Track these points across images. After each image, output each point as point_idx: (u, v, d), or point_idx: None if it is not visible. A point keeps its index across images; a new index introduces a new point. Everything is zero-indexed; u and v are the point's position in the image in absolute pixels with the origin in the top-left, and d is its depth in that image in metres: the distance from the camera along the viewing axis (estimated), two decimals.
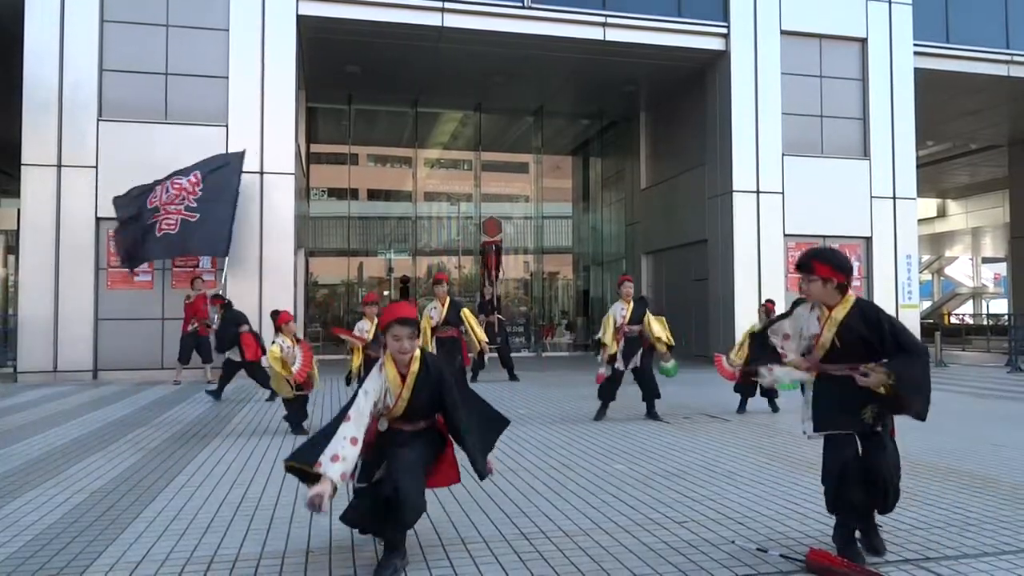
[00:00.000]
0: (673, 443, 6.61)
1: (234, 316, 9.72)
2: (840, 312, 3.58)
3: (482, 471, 3.50)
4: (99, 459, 5.91)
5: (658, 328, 8.02)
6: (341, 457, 3.21)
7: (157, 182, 12.07)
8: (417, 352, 3.51)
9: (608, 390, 8.00)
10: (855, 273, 15.55)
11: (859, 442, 3.53)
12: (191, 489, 4.93)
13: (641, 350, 8.00)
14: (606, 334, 7.98)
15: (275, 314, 7.42)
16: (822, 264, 3.59)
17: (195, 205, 11.86)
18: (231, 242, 11.99)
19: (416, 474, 3.37)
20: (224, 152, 12.58)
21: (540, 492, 4.83)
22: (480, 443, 3.56)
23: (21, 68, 12.26)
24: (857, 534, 3.61)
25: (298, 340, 7.36)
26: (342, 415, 3.38)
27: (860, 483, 3.50)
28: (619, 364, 7.93)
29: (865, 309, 3.60)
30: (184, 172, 12.11)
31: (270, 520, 4.21)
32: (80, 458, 5.94)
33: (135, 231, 11.86)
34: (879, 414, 3.51)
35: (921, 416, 3.44)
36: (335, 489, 3.22)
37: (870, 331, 3.52)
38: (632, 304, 8.01)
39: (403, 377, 3.47)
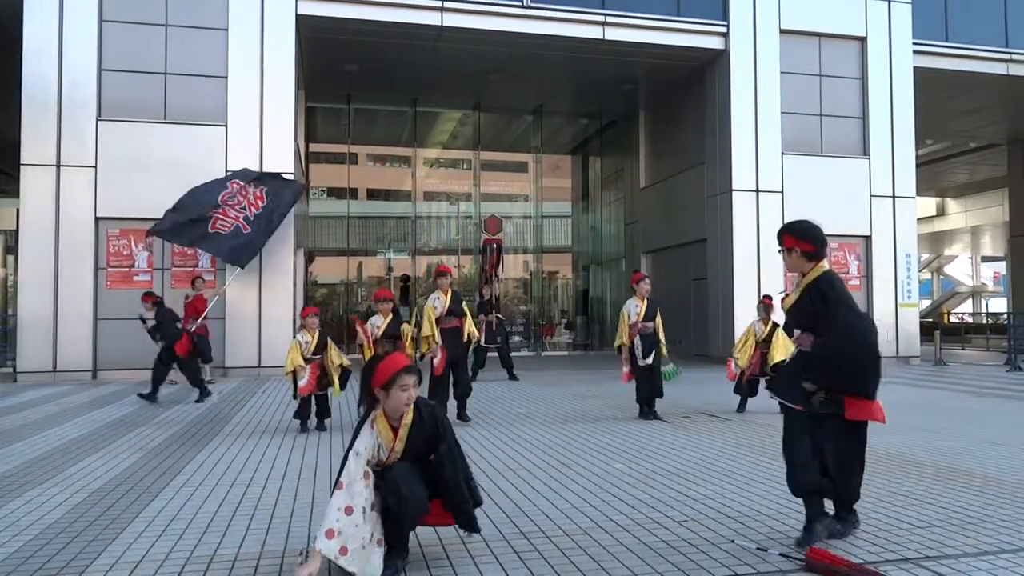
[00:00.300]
0: (672, 442, 6.61)
1: (168, 314, 9.76)
2: (809, 278, 3.72)
3: (474, 522, 3.47)
4: (99, 459, 5.91)
5: (661, 332, 8.15)
6: (336, 531, 3.12)
7: (232, 178, 12.29)
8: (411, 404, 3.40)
9: (642, 389, 8.04)
10: (856, 269, 15.62)
11: (819, 423, 3.61)
12: (191, 489, 4.93)
13: (656, 349, 8.05)
14: (622, 335, 8.04)
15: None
16: (787, 235, 3.82)
17: (252, 218, 12.13)
18: (254, 258, 12.33)
19: (413, 479, 3.33)
20: (289, 177, 12.96)
21: (539, 491, 4.83)
22: (471, 496, 3.48)
23: (20, 68, 12.25)
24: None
25: (321, 349, 7.24)
26: (336, 482, 3.31)
27: (817, 466, 3.60)
28: (640, 360, 7.96)
29: (825, 281, 3.67)
30: (257, 180, 12.37)
31: (270, 520, 4.21)
32: (80, 458, 5.94)
33: (187, 213, 11.94)
34: (830, 400, 3.58)
35: (861, 394, 3.56)
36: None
37: (820, 303, 3.61)
38: (646, 302, 8.06)
39: (395, 430, 3.38)
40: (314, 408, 7.35)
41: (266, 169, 12.93)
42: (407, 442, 3.39)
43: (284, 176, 12.83)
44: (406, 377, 3.30)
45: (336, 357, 7.29)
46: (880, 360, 3.61)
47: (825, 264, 3.76)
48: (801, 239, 3.74)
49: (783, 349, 8.23)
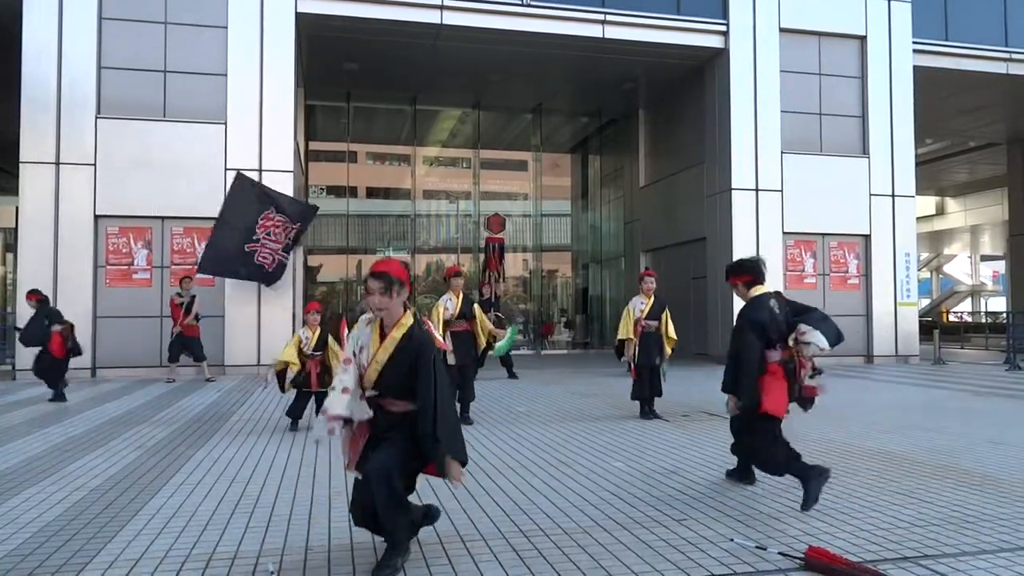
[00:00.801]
0: (672, 440, 6.61)
1: (48, 312, 9.64)
2: None
3: (442, 464, 3.22)
4: (98, 456, 5.91)
5: (671, 330, 8.05)
6: (336, 404, 3.33)
7: (268, 202, 12.51)
8: (408, 320, 3.38)
9: (640, 388, 7.97)
10: (855, 268, 15.63)
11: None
12: (190, 486, 4.93)
13: (660, 348, 7.99)
14: (626, 328, 7.93)
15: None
16: (728, 274, 4.76)
17: (284, 247, 12.70)
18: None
19: (386, 478, 3.21)
20: (300, 199, 13.45)
21: (539, 489, 4.83)
22: (449, 439, 3.25)
23: (19, 66, 12.24)
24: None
25: (322, 346, 7.22)
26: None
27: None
28: (637, 361, 7.89)
29: (743, 306, 4.60)
30: (281, 207, 12.61)
31: (269, 517, 4.21)
32: (79, 455, 5.94)
33: (228, 239, 12.18)
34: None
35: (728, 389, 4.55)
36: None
37: None
38: (652, 300, 8.00)
39: (383, 340, 3.37)
40: (312, 406, 7.32)
41: (265, 167, 12.94)
42: (390, 358, 3.33)
43: (296, 200, 13.09)
44: (371, 282, 3.34)
45: (338, 354, 7.24)
46: (744, 371, 4.43)
47: (759, 290, 4.59)
48: (736, 274, 4.67)
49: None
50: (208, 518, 4.20)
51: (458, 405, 7.72)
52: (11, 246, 22.43)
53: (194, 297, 11.81)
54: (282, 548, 3.68)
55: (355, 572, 3.36)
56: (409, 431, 3.32)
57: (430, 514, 3.66)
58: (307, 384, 7.19)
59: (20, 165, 12.25)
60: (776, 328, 4.46)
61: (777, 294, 4.71)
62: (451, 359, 7.63)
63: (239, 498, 4.63)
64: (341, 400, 3.33)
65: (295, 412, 7.24)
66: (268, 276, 12.59)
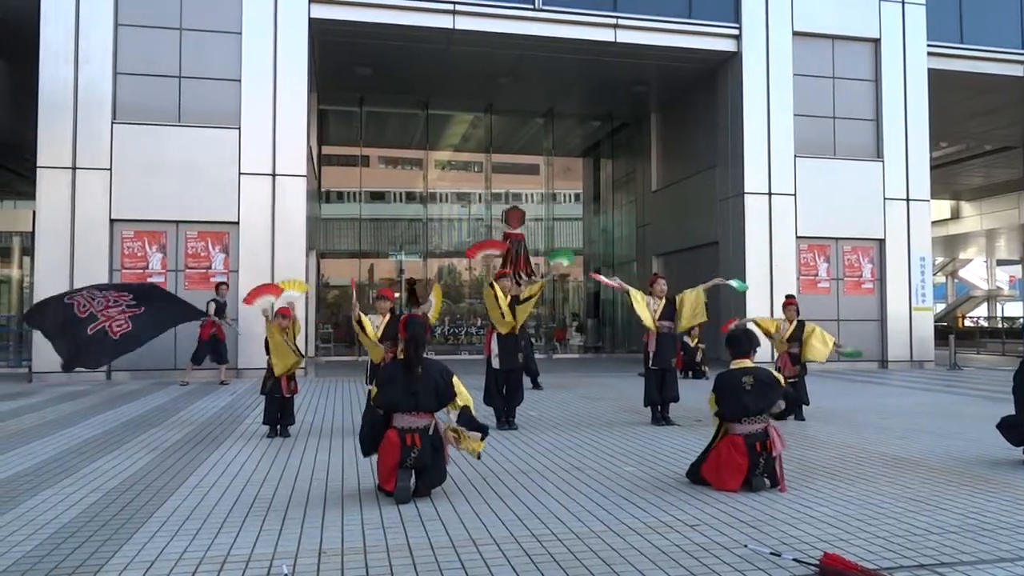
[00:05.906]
0: (684, 445, 6.59)
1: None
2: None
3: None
4: (113, 458, 5.95)
5: (688, 313, 7.86)
6: None
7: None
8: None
9: (652, 394, 7.90)
10: (869, 272, 15.52)
11: None
12: (204, 489, 4.96)
13: (675, 351, 7.91)
14: (642, 308, 7.78)
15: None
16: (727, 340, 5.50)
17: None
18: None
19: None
20: None
21: (551, 494, 4.82)
22: None
23: (37, 71, 12.38)
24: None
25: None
26: None
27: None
28: (652, 363, 7.84)
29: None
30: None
31: (282, 520, 4.22)
32: (95, 457, 5.99)
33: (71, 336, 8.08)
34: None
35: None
36: None
37: None
38: (664, 302, 7.94)
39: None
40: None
41: (278, 171, 13.03)
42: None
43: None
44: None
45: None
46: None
47: (742, 363, 5.23)
48: (726, 345, 5.45)
49: (816, 349, 8.12)
50: (222, 520, 4.22)
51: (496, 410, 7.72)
52: (28, 250, 22.64)
53: (225, 304, 11.91)
54: (296, 551, 3.69)
55: (367, 573, 3.37)
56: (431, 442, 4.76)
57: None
58: (277, 390, 7.02)
59: (37, 169, 12.38)
60: (740, 404, 4.95)
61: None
62: (495, 363, 7.58)
63: (253, 500, 4.65)
64: None
65: (270, 419, 7.06)
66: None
